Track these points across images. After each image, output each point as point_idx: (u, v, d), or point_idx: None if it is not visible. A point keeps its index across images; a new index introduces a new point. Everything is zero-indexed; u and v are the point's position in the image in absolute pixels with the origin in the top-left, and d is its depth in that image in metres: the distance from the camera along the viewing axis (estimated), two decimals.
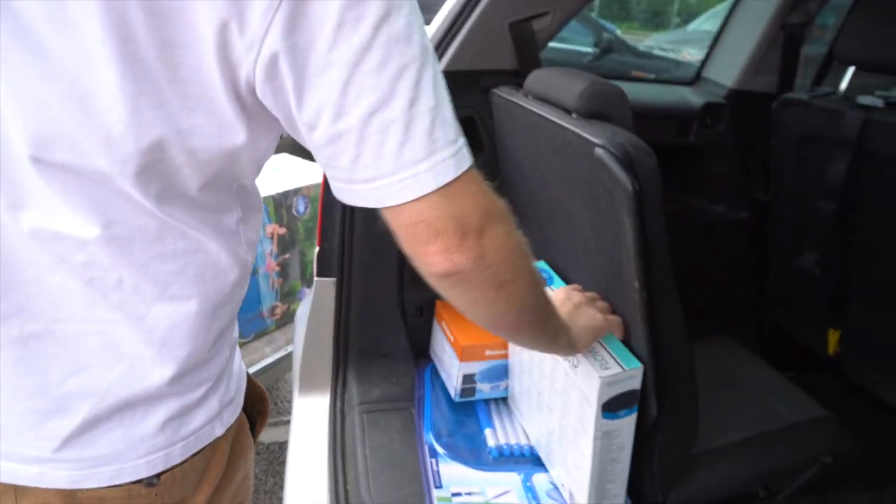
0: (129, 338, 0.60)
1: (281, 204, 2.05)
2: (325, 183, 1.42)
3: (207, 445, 0.68)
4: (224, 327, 0.67)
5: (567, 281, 1.20)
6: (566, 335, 0.85)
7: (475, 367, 1.24)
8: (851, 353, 1.63)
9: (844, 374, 1.68)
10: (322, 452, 1.26)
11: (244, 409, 0.76)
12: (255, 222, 0.68)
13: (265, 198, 1.99)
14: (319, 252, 1.43)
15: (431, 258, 0.56)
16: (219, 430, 0.69)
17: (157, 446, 0.63)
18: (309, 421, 1.34)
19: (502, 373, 1.26)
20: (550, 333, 0.79)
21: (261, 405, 0.83)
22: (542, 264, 1.24)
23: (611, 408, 0.94)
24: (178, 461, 0.65)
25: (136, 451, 0.63)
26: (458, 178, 0.54)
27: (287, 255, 2.11)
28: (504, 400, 1.30)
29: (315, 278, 1.42)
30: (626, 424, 0.98)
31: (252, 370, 1.96)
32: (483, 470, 1.13)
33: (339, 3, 0.47)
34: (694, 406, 1.08)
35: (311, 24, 0.48)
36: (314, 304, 1.40)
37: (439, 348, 1.35)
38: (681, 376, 1.04)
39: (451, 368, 1.26)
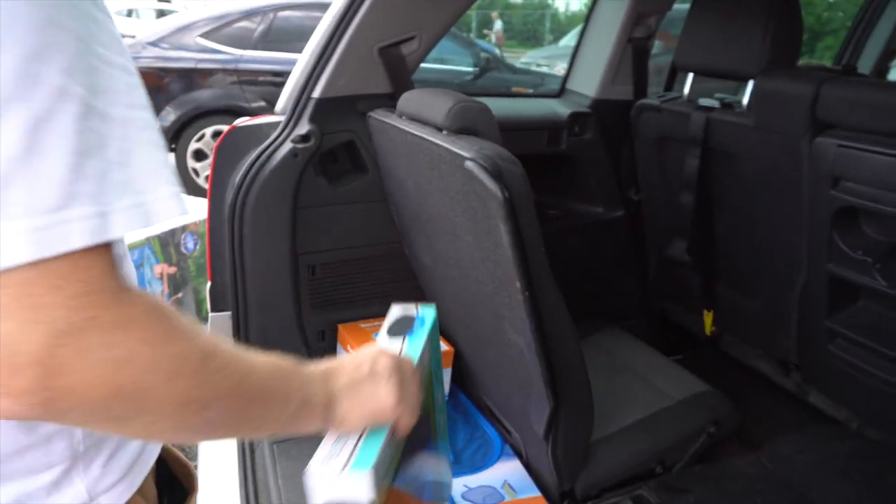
0: None
1: (168, 243, 1.99)
2: (210, 216, 1.40)
3: None
4: None
5: (458, 292, 1.24)
6: (320, 412, 0.60)
7: None
8: (725, 331, 1.78)
9: (723, 351, 1.83)
10: (234, 491, 1.23)
11: (160, 488, 0.63)
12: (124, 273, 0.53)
13: (150, 238, 1.92)
14: (212, 287, 1.40)
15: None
16: None
17: None
18: (217, 461, 1.31)
19: None
20: (278, 420, 0.57)
21: (186, 481, 0.70)
22: None
23: None
24: None
25: None
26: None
27: (180, 294, 2.05)
28: None
29: (210, 314, 1.39)
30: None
31: None
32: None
33: None
34: (588, 395, 1.15)
35: None
36: None
37: None
38: (571, 367, 1.10)
39: None
